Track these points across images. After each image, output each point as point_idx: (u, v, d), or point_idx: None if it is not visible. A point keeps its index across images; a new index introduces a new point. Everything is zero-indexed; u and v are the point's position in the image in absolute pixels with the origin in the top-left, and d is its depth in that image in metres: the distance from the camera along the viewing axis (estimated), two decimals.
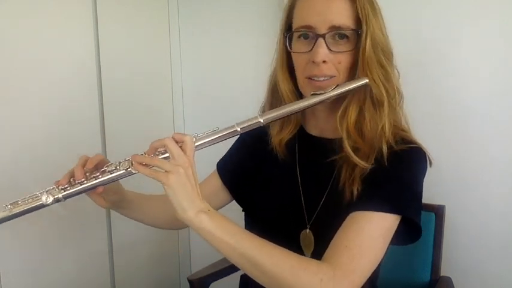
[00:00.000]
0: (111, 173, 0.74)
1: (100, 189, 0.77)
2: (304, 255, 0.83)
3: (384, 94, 0.77)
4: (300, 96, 0.84)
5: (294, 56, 0.82)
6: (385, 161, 0.77)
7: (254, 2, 1.61)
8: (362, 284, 0.70)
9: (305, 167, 0.88)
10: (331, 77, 0.77)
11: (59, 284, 1.29)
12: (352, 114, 0.78)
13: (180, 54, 1.75)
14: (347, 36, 0.77)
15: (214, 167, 0.98)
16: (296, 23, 0.80)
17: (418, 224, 0.78)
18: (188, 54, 1.75)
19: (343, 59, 0.77)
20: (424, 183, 0.82)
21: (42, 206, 0.73)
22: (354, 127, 0.78)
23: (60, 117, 1.27)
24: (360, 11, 0.75)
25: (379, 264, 0.75)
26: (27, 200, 0.73)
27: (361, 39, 0.76)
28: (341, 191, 0.79)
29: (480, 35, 1.21)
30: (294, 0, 0.82)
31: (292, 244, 0.83)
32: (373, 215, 0.73)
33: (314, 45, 0.76)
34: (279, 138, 0.87)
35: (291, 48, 0.81)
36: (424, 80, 1.25)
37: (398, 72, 0.82)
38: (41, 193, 0.73)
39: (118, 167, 0.73)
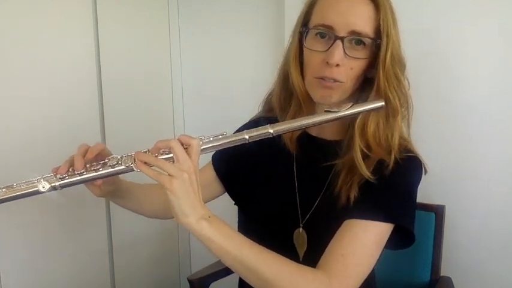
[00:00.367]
0: (112, 167, 0.72)
1: (99, 181, 0.76)
2: (298, 253, 0.84)
3: (399, 106, 0.78)
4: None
5: (307, 53, 0.80)
6: (385, 169, 0.77)
7: (254, 2, 1.61)
8: None
9: (302, 166, 0.88)
10: (341, 82, 0.77)
11: (59, 284, 1.29)
12: (372, 124, 0.78)
13: (180, 54, 1.75)
14: (364, 44, 0.76)
15: (210, 159, 0.97)
16: (315, 20, 0.78)
17: (412, 232, 0.79)
18: (188, 54, 1.75)
19: (356, 66, 0.77)
20: (424, 183, 0.83)
21: (38, 192, 0.71)
22: (372, 137, 0.78)
23: (60, 117, 1.27)
24: (382, 22, 0.75)
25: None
26: (23, 185, 0.71)
27: (380, 50, 0.75)
28: (337, 194, 0.80)
29: (479, 34, 1.21)
30: None
31: (286, 242, 0.84)
32: (368, 224, 0.74)
33: (331, 46, 0.75)
34: (289, 134, 0.86)
35: (305, 44, 0.80)
36: (424, 80, 1.25)
37: (409, 82, 0.82)
38: (37, 179, 0.71)
39: (120, 162, 0.71)
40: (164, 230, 1.71)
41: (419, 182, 0.82)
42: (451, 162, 1.26)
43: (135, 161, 0.70)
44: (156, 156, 0.70)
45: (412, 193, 0.81)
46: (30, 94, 1.19)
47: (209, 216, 0.69)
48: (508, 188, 1.22)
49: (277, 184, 0.89)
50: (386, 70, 0.76)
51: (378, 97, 0.77)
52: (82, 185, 0.77)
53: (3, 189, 0.71)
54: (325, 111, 0.74)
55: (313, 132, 0.89)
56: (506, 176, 1.22)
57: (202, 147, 0.71)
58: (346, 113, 0.74)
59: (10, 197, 0.71)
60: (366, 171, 0.77)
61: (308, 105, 0.83)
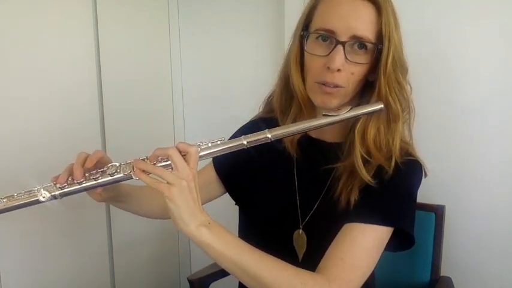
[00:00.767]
0: (111, 176, 0.73)
1: (98, 189, 0.77)
2: (297, 255, 0.84)
3: (400, 111, 0.78)
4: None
5: (308, 57, 0.79)
6: (385, 173, 0.77)
7: (254, 2, 1.61)
8: None
9: (303, 169, 0.88)
10: (341, 87, 0.76)
11: (59, 284, 1.29)
12: (372, 130, 0.78)
13: (180, 54, 1.75)
14: (365, 48, 0.76)
15: (210, 159, 0.97)
16: (317, 24, 0.78)
17: (411, 235, 0.79)
18: (188, 54, 1.75)
19: (357, 71, 0.76)
20: (424, 183, 0.83)
21: (38, 202, 0.72)
22: (372, 142, 0.78)
23: (60, 117, 1.27)
24: (384, 27, 0.74)
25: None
26: (23, 195, 0.72)
27: (381, 55, 0.75)
28: (337, 197, 0.80)
29: (480, 35, 1.21)
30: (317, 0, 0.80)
31: (286, 243, 0.85)
32: (367, 227, 0.74)
33: (332, 50, 0.74)
34: (291, 137, 0.86)
35: (306, 48, 0.79)
36: (424, 81, 1.25)
37: (410, 87, 0.82)
38: (37, 189, 0.72)
39: (119, 170, 0.72)
40: (164, 230, 1.71)
41: (419, 185, 0.82)
42: (451, 162, 1.27)
43: (133, 169, 0.71)
44: (155, 164, 0.71)
45: (412, 196, 0.81)
46: (30, 94, 1.19)
47: (209, 223, 0.69)
48: (508, 188, 1.22)
49: (277, 185, 0.89)
50: (388, 75, 0.75)
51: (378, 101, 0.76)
52: None
53: (4, 200, 0.72)
54: (324, 115, 0.74)
55: (314, 134, 0.88)
56: (507, 177, 1.22)
57: (200, 154, 0.72)
58: (344, 116, 0.73)
59: (11, 207, 0.72)
60: (366, 176, 0.77)
61: (309, 108, 0.83)
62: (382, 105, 0.74)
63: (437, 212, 1.21)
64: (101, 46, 1.39)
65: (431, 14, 1.26)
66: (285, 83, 0.86)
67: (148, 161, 0.71)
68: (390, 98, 0.76)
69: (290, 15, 1.42)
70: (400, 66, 0.78)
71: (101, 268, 1.46)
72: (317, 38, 0.77)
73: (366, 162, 0.78)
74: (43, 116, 1.22)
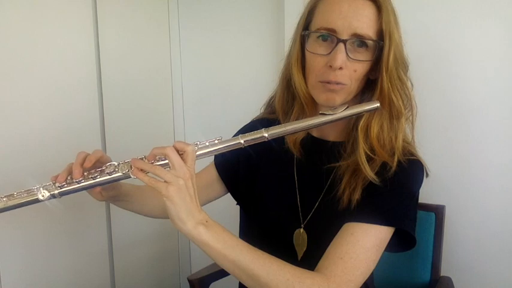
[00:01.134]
0: (109, 175, 0.73)
1: (97, 188, 0.77)
2: (297, 254, 0.84)
3: (402, 107, 0.78)
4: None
5: (309, 57, 0.80)
6: (387, 172, 0.77)
7: (254, 2, 1.61)
8: None
9: (304, 168, 0.88)
10: (344, 84, 0.77)
11: (59, 284, 1.29)
12: (375, 127, 0.78)
13: (180, 54, 1.75)
14: (366, 46, 0.76)
15: (212, 159, 0.97)
16: (317, 24, 0.78)
17: (413, 236, 0.79)
18: (188, 54, 1.75)
19: (359, 68, 0.77)
20: (424, 183, 0.83)
21: (38, 201, 0.73)
22: (376, 139, 0.78)
23: (60, 118, 1.27)
24: (384, 24, 0.74)
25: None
26: (23, 194, 0.73)
27: (383, 52, 0.75)
28: (338, 196, 0.80)
29: (482, 35, 1.21)
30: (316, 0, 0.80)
31: (286, 242, 0.84)
32: (368, 227, 0.74)
33: (333, 49, 0.75)
34: (294, 137, 0.86)
35: (307, 47, 0.80)
36: (424, 80, 1.25)
37: (412, 84, 0.82)
38: (37, 188, 0.73)
39: (117, 169, 0.73)
40: (164, 230, 1.71)
41: (420, 186, 0.82)
42: (452, 162, 1.27)
43: (131, 167, 0.71)
44: (152, 163, 0.71)
45: (414, 196, 0.81)
46: (30, 94, 1.19)
47: (206, 221, 0.69)
48: (508, 188, 1.22)
49: (278, 185, 0.89)
50: (390, 72, 0.76)
51: (382, 99, 0.77)
52: None
53: (4, 199, 0.73)
54: (320, 113, 0.75)
55: (316, 133, 0.89)
56: (507, 177, 1.22)
57: (198, 153, 0.72)
58: (341, 115, 0.74)
59: (11, 206, 0.73)
60: (370, 173, 0.77)
61: (311, 108, 0.83)
62: (379, 104, 0.74)
63: (437, 212, 1.21)
64: (101, 46, 1.39)
65: (432, 13, 1.26)
66: (287, 85, 0.86)
67: (146, 160, 0.72)
68: (392, 95, 0.77)
69: (290, 15, 1.42)
70: (401, 63, 0.78)
71: (101, 268, 1.46)
72: (318, 37, 0.77)
73: (369, 159, 0.78)
74: (43, 116, 1.22)
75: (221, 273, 1.28)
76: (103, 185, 0.76)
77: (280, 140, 0.85)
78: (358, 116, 0.78)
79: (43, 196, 0.72)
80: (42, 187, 0.73)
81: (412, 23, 1.25)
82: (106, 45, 1.40)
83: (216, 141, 0.73)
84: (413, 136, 0.85)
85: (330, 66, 0.75)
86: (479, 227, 1.26)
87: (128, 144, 1.48)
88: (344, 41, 0.74)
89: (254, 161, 0.91)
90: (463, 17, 1.22)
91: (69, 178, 0.75)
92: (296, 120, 0.83)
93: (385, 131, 0.78)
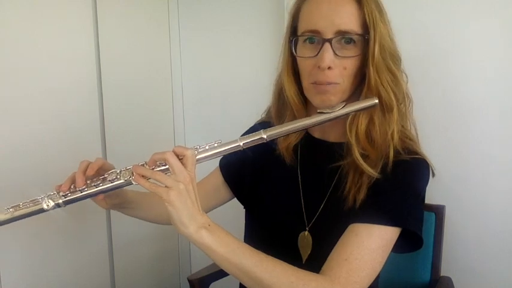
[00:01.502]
0: (111, 182, 0.74)
1: (101, 196, 0.78)
2: (301, 256, 0.83)
3: (393, 99, 0.77)
4: (305, 100, 0.84)
5: (299, 61, 0.80)
6: (390, 170, 0.77)
7: (254, 2, 1.61)
8: None
9: (306, 170, 0.87)
10: (336, 83, 0.76)
11: (59, 284, 1.29)
12: (363, 121, 0.77)
13: (180, 54, 1.75)
14: (354, 41, 0.76)
15: (217, 164, 0.98)
16: (302, 27, 0.79)
17: (420, 236, 0.78)
18: (188, 54, 1.75)
19: (349, 65, 0.76)
20: None
21: (43, 210, 0.74)
22: (364, 134, 0.77)
23: (59, 117, 1.27)
24: (367, 16, 0.74)
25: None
26: (28, 204, 0.75)
27: (368, 45, 0.75)
28: (344, 197, 0.79)
29: (481, 34, 1.20)
30: (299, 3, 0.81)
31: (290, 245, 0.84)
32: (374, 228, 0.73)
33: (320, 50, 0.75)
34: (286, 143, 0.86)
35: (296, 52, 0.80)
36: (424, 80, 1.25)
37: (406, 76, 0.82)
38: (42, 198, 0.75)
39: (119, 176, 0.74)
40: (164, 230, 1.71)
41: (426, 185, 0.82)
42: (452, 162, 1.26)
43: (133, 174, 0.72)
44: (153, 168, 0.72)
45: (419, 196, 0.80)
46: (29, 94, 1.19)
47: (209, 225, 0.69)
48: (508, 188, 1.22)
49: (281, 188, 0.89)
50: (376, 63, 0.75)
51: (370, 92, 0.76)
52: None
53: (11, 209, 0.75)
54: (318, 112, 0.74)
55: (317, 134, 0.88)
56: (507, 177, 1.21)
57: (198, 157, 0.72)
58: (339, 113, 0.73)
59: (17, 216, 0.75)
60: (368, 168, 0.76)
61: (302, 114, 0.84)
62: (377, 101, 0.73)
63: (437, 212, 1.20)
64: (101, 46, 1.39)
65: (432, 13, 1.25)
66: (279, 93, 0.87)
67: (147, 166, 0.72)
68: (381, 87, 0.76)
69: None
70: (390, 55, 0.77)
71: (101, 268, 1.46)
72: (304, 41, 0.78)
73: (366, 157, 0.77)
74: (43, 116, 1.22)
75: (221, 273, 1.28)
76: (106, 192, 0.76)
77: (275, 147, 0.85)
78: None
79: (48, 206, 0.74)
80: (47, 197, 0.74)
81: (412, 23, 1.26)
82: (106, 45, 1.40)
83: (216, 145, 0.73)
84: (411, 127, 0.84)
85: (319, 67, 0.75)
86: (479, 227, 1.26)
87: (128, 144, 1.48)
88: (329, 40, 0.74)
89: (259, 164, 0.91)
90: (463, 17, 1.22)
91: (72, 187, 0.76)
92: None
93: (376, 124, 0.77)
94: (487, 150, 1.23)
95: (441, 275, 1.20)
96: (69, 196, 0.75)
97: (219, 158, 0.95)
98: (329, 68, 0.74)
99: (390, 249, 0.75)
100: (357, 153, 0.77)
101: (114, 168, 0.78)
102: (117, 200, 0.86)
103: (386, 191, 0.76)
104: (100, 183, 0.75)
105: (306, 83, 0.80)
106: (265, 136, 0.73)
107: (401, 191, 0.77)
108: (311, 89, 0.79)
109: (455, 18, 1.23)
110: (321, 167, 0.84)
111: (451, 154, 1.27)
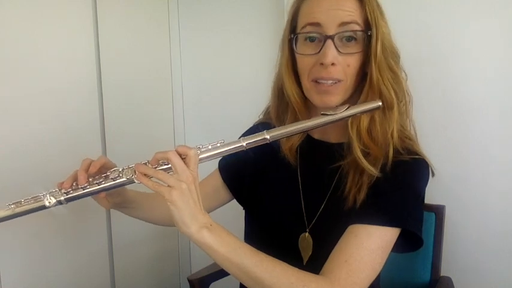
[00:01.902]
0: (113, 180, 0.74)
1: (102, 194, 0.77)
2: (302, 258, 0.83)
3: (394, 98, 0.77)
4: (306, 100, 0.83)
5: (300, 59, 0.80)
6: (390, 169, 0.77)
7: (254, 2, 1.61)
8: None
9: (306, 171, 0.87)
10: (339, 81, 0.76)
11: (59, 284, 1.29)
12: (364, 119, 0.77)
13: (180, 54, 1.75)
14: (355, 39, 0.75)
15: (217, 165, 0.98)
16: (302, 22, 0.78)
17: (419, 236, 0.78)
18: (188, 54, 1.75)
19: (352, 62, 0.76)
20: None
21: (44, 207, 0.74)
22: (366, 131, 0.77)
23: (59, 117, 1.27)
24: (369, 15, 0.74)
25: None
26: (30, 201, 0.74)
27: (371, 42, 0.74)
28: (344, 197, 0.79)
29: (481, 34, 1.20)
30: (299, 3, 0.80)
31: (291, 246, 0.84)
32: (373, 229, 0.73)
33: (322, 46, 0.74)
34: (289, 144, 0.86)
35: (296, 50, 0.79)
36: (424, 80, 1.25)
37: (406, 74, 0.81)
38: (43, 195, 0.74)
39: (121, 175, 0.74)
40: (164, 230, 1.71)
41: (426, 185, 0.81)
42: (452, 162, 1.26)
43: (135, 172, 0.72)
44: (156, 167, 0.72)
45: (419, 196, 0.80)
46: (29, 95, 1.19)
47: (210, 224, 0.69)
48: (508, 188, 1.22)
49: (281, 189, 0.89)
50: (379, 61, 0.75)
51: (372, 90, 0.76)
52: None
53: (12, 206, 0.74)
54: (322, 114, 0.74)
55: (317, 136, 0.88)
56: (507, 177, 1.21)
57: (200, 157, 0.72)
58: (342, 115, 0.73)
59: (19, 212, 0.74)
60: (368, 166, 0.76)
61: (304, 114, 0.83)
62: (380, 103, 0.73)
63: (437, 212, 1.20)
64: (101, 46, 1.39)
65: (432, 13, 1.25)
66: (279, 94, 0.87)
67: (149, 165, 0.72)
68: (383, 86, 0.76)
69: None
70: (391, 53, 0.77)
71: (101, 268, 1.46)
72: (305, 39, 0.77)
73: (366, 154, 0.77)
74: (43, 116, 1.22)
75: (221, 273, 1.28)
76: (108, 190, 0.76)
77: (279, 148, 0.85)
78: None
79: (49, 203, 0.73)
80: (49, 194, 0.74)
81: (412, 23, 1.26)
82: (106, 45, 1.40)
83: (219, 145, 0.73)
84: (415, 132, 0.84)
85: (322, 64, 0.74)
86: (479, 227, 1.26)
87: (128, 144, 1.48)
88: (332, 37, 0.74)
89: (260, 165, 0.91)
90: (463, 17, 1.22)
91: (74, 184, 0.76)
92: None
93: (377, 123, 0.77)
94: (487, 150, 1.23)
95: (441, 275, 1.20)
96: (71, 193, 0.75)
97: (218, 159, 0.96)
98: (332, 64, 0.74)
99: (390, 250, 0.75)
100: (357, 150, 0.77)
101: (117, 167, 0.78)
102: (118, 198, 0.86)
103: (386, 191, 0.76)
104: (102, 181, 0.75)
105: (306, 81, 0.79)
106: (268, 137, 0.72)
107: (401, 192, 0.77)
108: (312, 87, 0.78)
109: (455, 19, 1.23)
110: (321, 168, 0.84)
111: (451, 154, 1.27)
